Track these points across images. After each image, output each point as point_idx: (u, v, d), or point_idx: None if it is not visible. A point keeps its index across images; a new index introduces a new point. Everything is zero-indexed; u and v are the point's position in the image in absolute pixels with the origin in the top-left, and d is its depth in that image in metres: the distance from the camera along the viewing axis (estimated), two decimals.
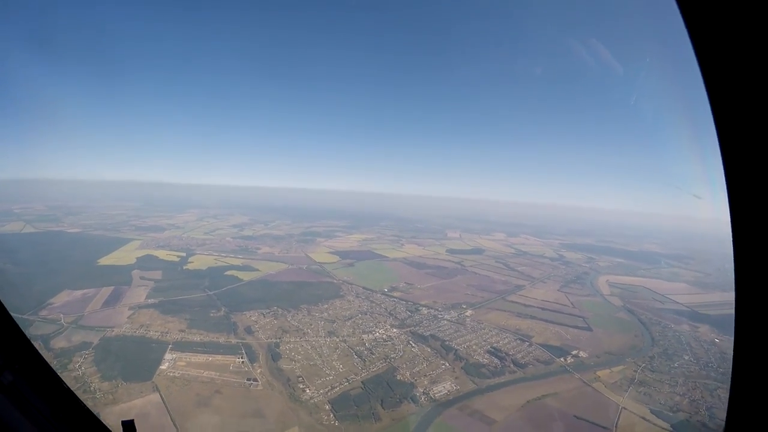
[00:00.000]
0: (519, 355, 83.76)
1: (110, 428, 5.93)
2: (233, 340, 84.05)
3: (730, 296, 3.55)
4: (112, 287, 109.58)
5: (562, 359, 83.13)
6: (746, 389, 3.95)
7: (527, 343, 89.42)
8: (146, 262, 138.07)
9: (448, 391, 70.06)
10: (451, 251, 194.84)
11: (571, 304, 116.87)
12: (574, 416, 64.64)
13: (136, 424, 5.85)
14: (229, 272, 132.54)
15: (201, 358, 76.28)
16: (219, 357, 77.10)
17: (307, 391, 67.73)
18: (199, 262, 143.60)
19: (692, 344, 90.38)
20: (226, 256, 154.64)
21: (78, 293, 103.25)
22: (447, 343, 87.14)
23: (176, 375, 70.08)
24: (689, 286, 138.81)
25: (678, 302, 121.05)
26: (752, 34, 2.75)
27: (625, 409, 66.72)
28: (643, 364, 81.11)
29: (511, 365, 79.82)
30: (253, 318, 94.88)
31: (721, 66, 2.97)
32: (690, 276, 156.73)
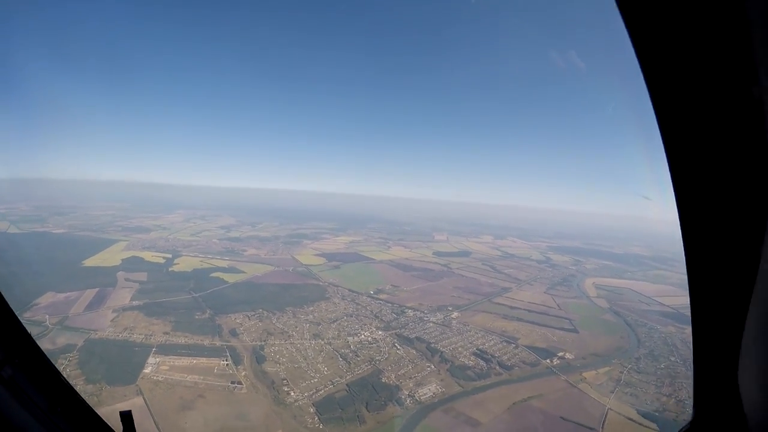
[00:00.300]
0: (505, 357, 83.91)
1: (107, 421, 5.87)
2: (218, 343, 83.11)
3: None
4: (97, 289, 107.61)
5: (548, 361, 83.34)
6: (707, 380, 4.21)
7: (513, 345, 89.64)
8: (131, 264, 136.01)
9: (434, 393, 69.91)
10: (438, 253, 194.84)
11: (558, 306, 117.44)
12: (561, 417, 64.87)
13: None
14: (214, 274, 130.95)
15: (185, 361, 75.23)
16: (203, 360, 76.14)
17: (292, 393, 67.22)
18: (185, 263, 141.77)
19: (678, 345, 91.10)
20: (212, 258, 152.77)
21: (62, 295, 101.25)
22: (433, 345, 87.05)
23: (160, 379, 69.03)
24: (675, 288, 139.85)
25: (664, 304, 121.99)
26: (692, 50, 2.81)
27: (611, 410, 67.05)
28: (630, 366, 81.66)
29: (497, 367, 79.91)
30: (238, 320, 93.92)
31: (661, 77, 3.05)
32: (675, 278, 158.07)
